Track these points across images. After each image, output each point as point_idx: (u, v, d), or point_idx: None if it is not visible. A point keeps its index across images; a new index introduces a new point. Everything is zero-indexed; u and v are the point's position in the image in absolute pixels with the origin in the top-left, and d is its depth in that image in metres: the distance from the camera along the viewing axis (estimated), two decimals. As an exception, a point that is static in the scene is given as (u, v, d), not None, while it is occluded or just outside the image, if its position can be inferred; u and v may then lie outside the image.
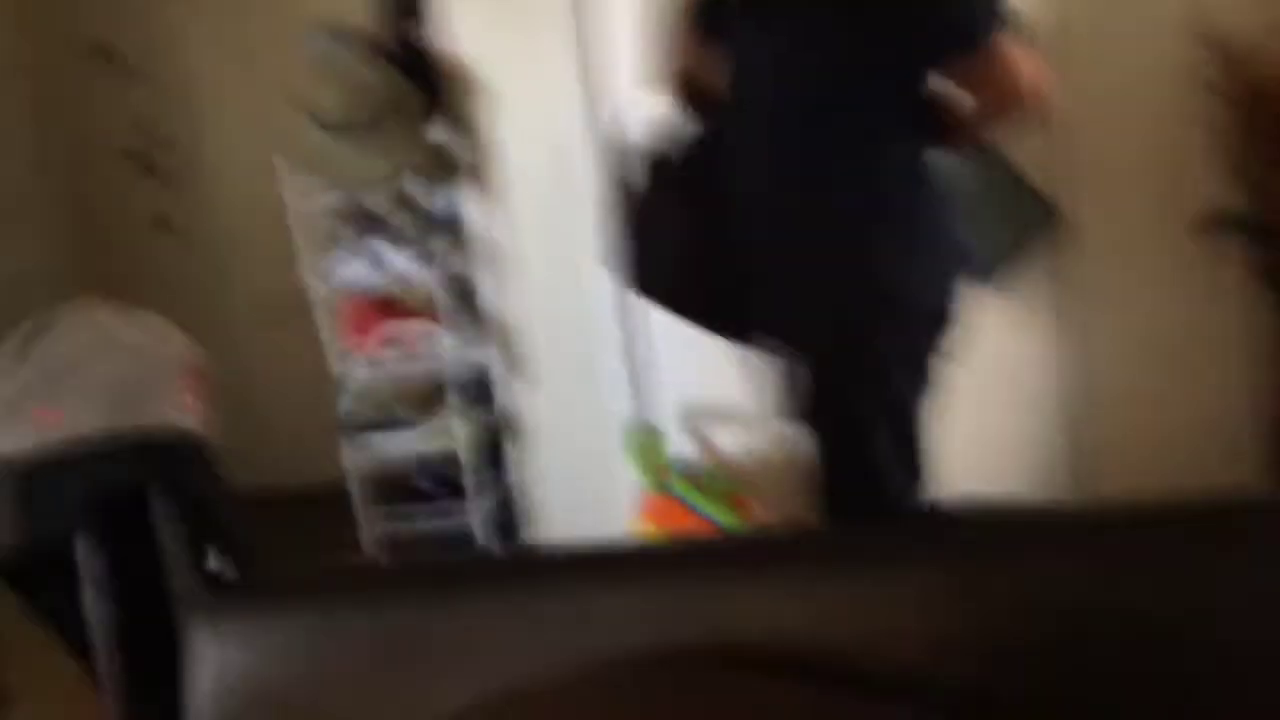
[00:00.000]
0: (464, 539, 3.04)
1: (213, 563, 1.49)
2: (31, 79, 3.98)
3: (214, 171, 3.93)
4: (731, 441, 2.85)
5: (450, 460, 3.06)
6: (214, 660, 1.11)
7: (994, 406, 2.61)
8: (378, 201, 3.00)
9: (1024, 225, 2.45)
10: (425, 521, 3.08)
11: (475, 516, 3.04)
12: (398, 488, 3.15)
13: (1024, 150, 2.40)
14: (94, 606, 1.51)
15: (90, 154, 4.15)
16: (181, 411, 1.50)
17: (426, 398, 3.12)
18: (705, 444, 2.86)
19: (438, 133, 2.91)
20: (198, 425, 1.52)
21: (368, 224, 3.05)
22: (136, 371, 1.48)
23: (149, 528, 1.48)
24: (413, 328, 3.01)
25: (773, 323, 1.99)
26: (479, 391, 3.06)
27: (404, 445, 3.06)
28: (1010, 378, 2.63)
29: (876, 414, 1.92)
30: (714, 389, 2.83)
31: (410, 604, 1.13)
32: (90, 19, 4.01)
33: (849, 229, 1.84)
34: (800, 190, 1.85)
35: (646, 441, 2.80)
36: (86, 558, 1.48)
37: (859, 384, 1.91)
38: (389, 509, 3.10)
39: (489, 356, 3.03)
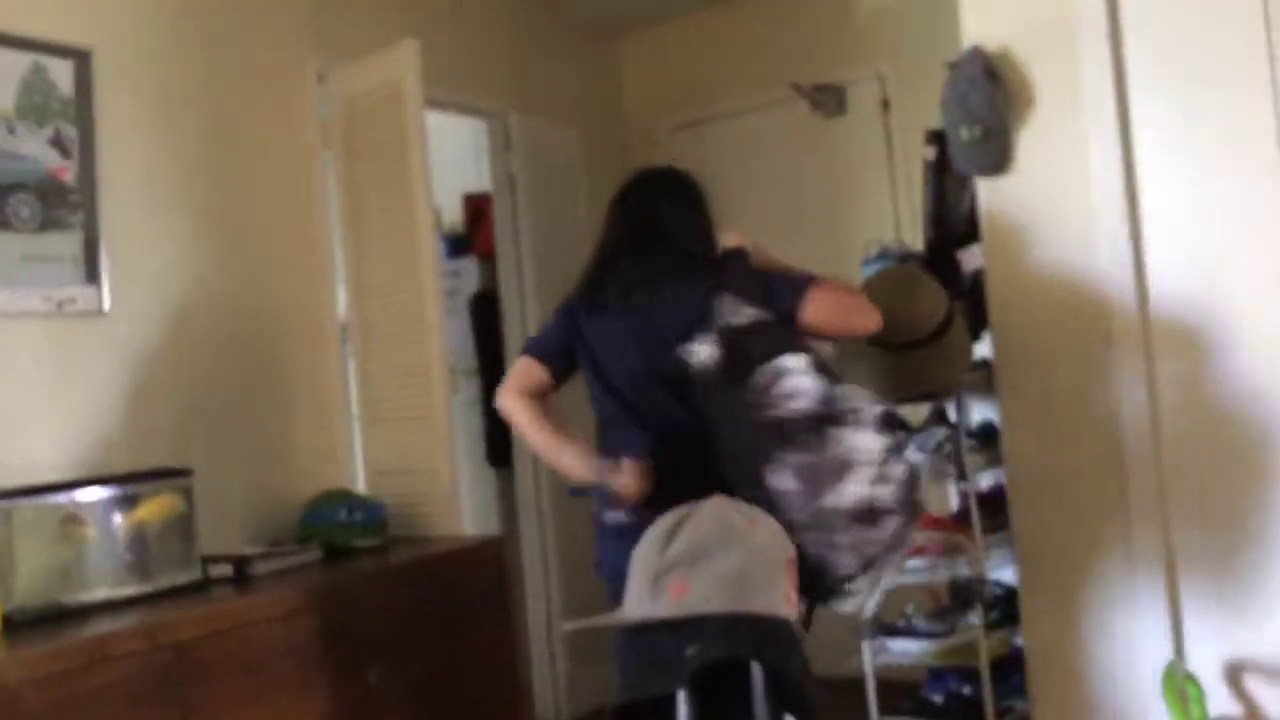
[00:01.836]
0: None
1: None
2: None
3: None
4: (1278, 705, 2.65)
5: (963, 675, 3.06)
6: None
7: None
8: (916, 412, 3.16)
9: None
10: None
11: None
12: (910, 695, 3.19)
13: None
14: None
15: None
16: (783, 602, 1.74)
17: (945, 609, 3.17)
18: (1249, 705, 2.68)
19: (981, 346, 3.05)
20: (792, 614, 1.75)
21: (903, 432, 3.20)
22: (752, 564, 1.74)
23: (742, 698, 1.72)
24: (941, 538, 3.10)
25: None
26: (1004, 610, 3.06)
27: (919, 653, 3.10)
28: None
29: None
30: (1257, 645, 2.66)
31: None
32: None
33: None
34: None
35: (1184, 690, 2.63)
36: (684, 711, 1.75)
37: None
38: (896, 715, 3.13)
39: (1015, 575, 3.03)
